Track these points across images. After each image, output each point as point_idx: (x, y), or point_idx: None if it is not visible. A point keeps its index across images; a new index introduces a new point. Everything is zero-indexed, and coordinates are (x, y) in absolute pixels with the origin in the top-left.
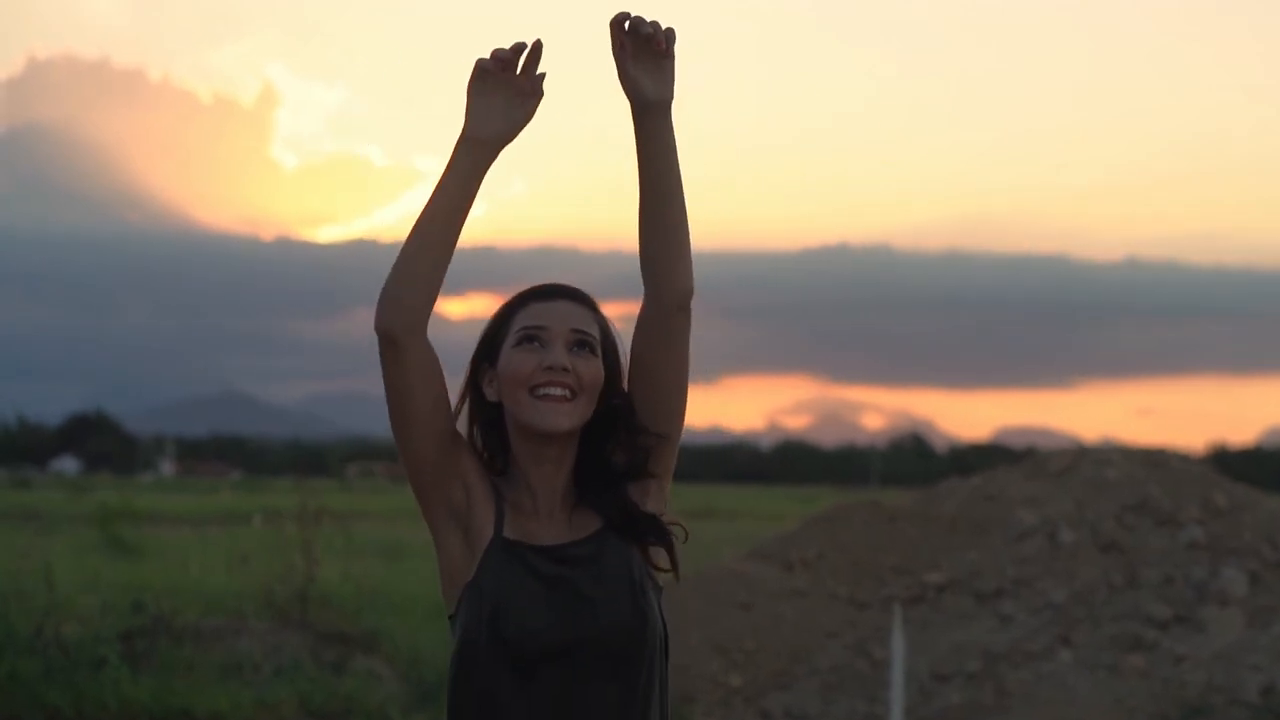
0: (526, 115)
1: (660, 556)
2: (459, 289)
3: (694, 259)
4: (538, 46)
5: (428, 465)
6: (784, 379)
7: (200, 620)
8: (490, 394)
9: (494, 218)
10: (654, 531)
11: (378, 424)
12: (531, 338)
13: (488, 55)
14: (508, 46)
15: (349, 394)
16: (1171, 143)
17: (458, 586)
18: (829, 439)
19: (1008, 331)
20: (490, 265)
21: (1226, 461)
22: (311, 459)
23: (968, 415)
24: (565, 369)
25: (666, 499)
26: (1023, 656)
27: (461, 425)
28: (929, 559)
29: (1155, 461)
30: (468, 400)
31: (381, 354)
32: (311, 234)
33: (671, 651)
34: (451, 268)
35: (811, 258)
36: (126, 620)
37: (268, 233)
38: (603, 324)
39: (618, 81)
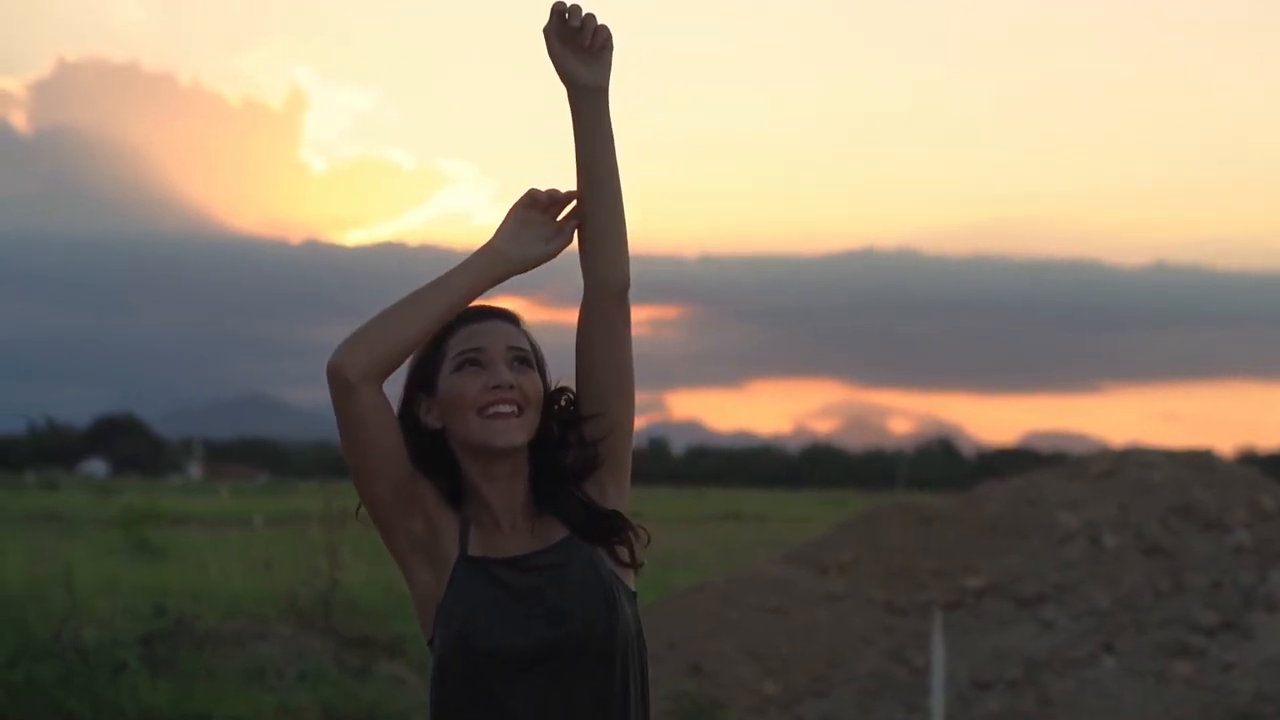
0: (549, 254)
1: (622, 550)
2: (484, 293)
3: (721, 263)
4: (571, 196)
5: (384, 504)
6: (810, 382)
7: (222, 624)
8: (431, 421)
9: None
10: (616, 530)
11: None
12: (472, 360)
13: (541, 188)
14: (562, 190)
15: None
16: (1199, 148)
17: (431, 611)
18: (856, 443)
19: (1035, 336)
20: None
21: (1254, 466)
22: (339, 462)
23: (995, 419)
24: (511, 386)
25: (626, 490)
26: (1065, 664)
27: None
28: (968, 563)
29: (1200, 464)
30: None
31: (332, 393)
32: (340, 237)
33: (703, 657)
34: None
35: (838, 261)
36: (147, 624)
37: (296, 236)
38: (531, 339)
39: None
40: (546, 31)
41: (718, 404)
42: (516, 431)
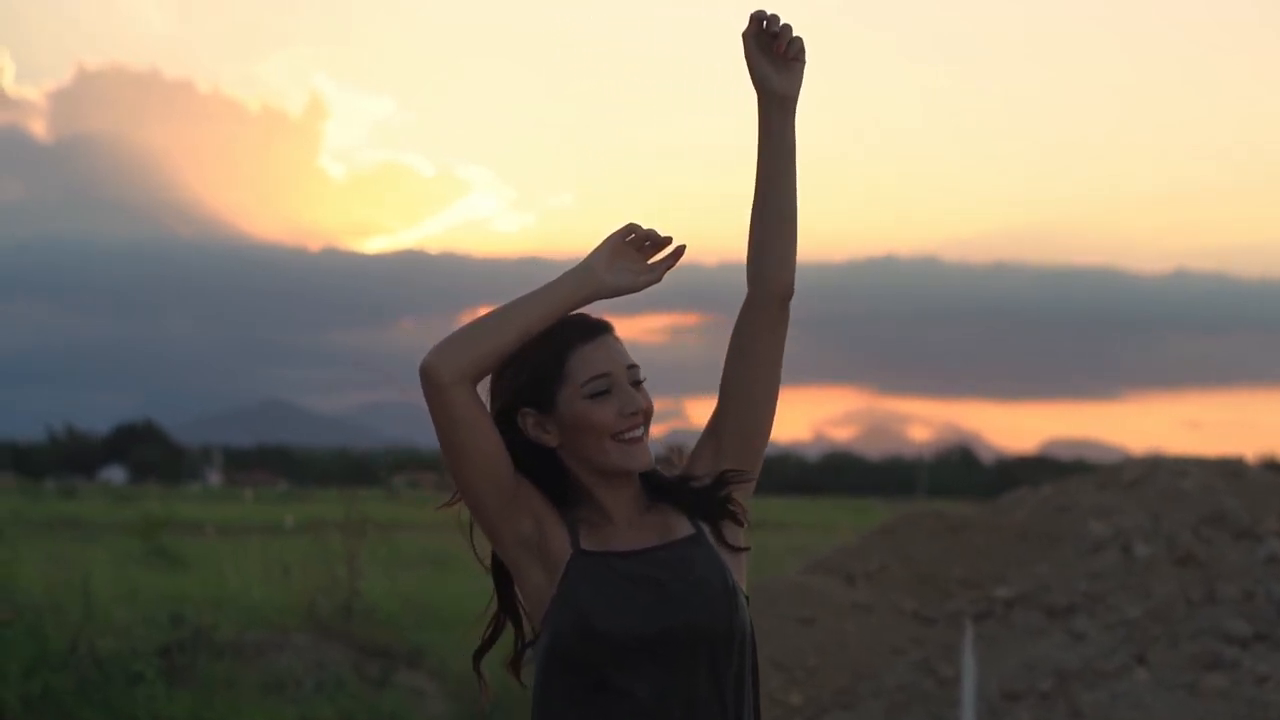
0: (637, 286)
1: (731, 533)
2: (505, 300)
3: (739, 269)
4: (680, 251)
5: (489, 506)
6: (831, 390)
7: (241, 634)
8: (546, 440)
9: (541, 228)
10: (724, 504)
11: (424, 434)
12: (604, 389)
13: (643, 224)
14: (662, 234)
15: (396, 404)
16: (1220, 155)
17: (544, 607)
18: (876, 450)
19: (1055, 343)
20: (536, 276)
21: (1278, 473)
22: (358, 469)
23: (1015, 427)
24: (642, 409)
25: (750, 493)
26: (1097, 675)
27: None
28: (997, 572)
29: (1232, 472)
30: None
31: (426, 394)
32: (359, 244)
33: None
34: (497, 279)
35: (859, 269)
36: (165, 634)
37: (315, 243)
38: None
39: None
40: (745, 36)
41: None
42: (647, 452)
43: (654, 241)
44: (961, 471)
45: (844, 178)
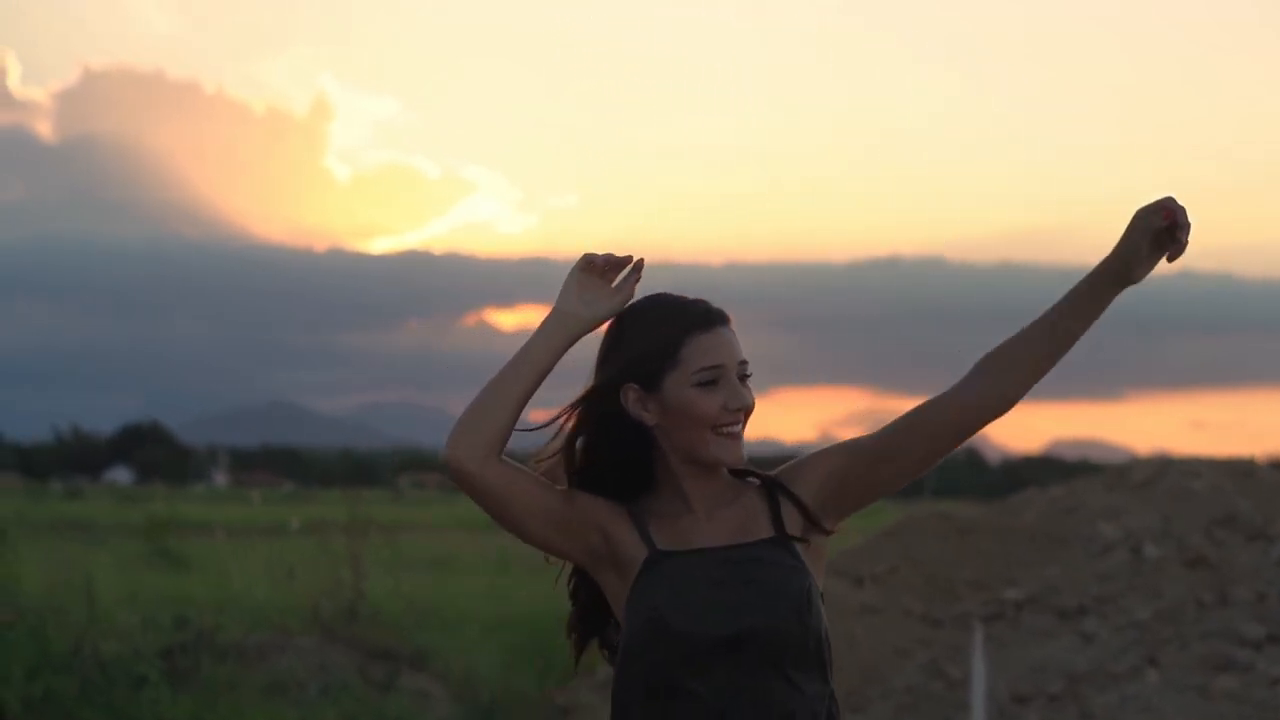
0: (614, 309)
1: (812, 520)
2: (510, 301)
3: (747, 270)
4: (639, 264)
5: (555, 541)
6: (836, 390)
7: (245, 636)
8: (647, 418)
9: (545, 229)
10: (781, 488)
11: (429, 434)
12: (713, 380)
13: (599, 253)
14: (618, 256)
15: (401, 404)
16: (1222, 155)
17: (623, 607)
18: None
19: None
20: (541, 276)
21: None
22: (363, 469)
23: (1020, 427)
24: (746, 405)
25: (842, 518)
26: (1107, 677)
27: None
28: (1006, 574)
29: (1243, 472)
30: (592, 414)
31: (459, 485)
32: (364, 245)
33: None
34: (501, 281)
35: (864, 269)
36: (168, 636)
37: (320, 244)
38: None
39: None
40: (1151, 223)
41: None
42: (742, 448)
43: (612, 264)
44: (967, 471)
45: (849, 178)
